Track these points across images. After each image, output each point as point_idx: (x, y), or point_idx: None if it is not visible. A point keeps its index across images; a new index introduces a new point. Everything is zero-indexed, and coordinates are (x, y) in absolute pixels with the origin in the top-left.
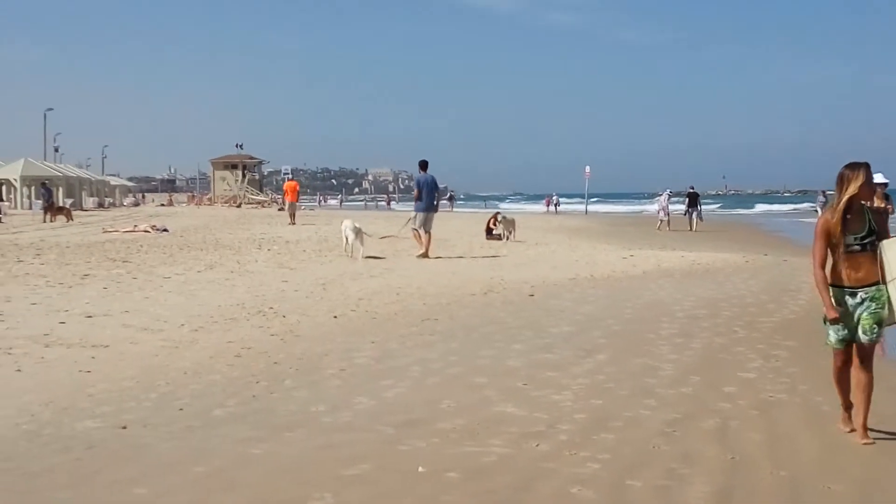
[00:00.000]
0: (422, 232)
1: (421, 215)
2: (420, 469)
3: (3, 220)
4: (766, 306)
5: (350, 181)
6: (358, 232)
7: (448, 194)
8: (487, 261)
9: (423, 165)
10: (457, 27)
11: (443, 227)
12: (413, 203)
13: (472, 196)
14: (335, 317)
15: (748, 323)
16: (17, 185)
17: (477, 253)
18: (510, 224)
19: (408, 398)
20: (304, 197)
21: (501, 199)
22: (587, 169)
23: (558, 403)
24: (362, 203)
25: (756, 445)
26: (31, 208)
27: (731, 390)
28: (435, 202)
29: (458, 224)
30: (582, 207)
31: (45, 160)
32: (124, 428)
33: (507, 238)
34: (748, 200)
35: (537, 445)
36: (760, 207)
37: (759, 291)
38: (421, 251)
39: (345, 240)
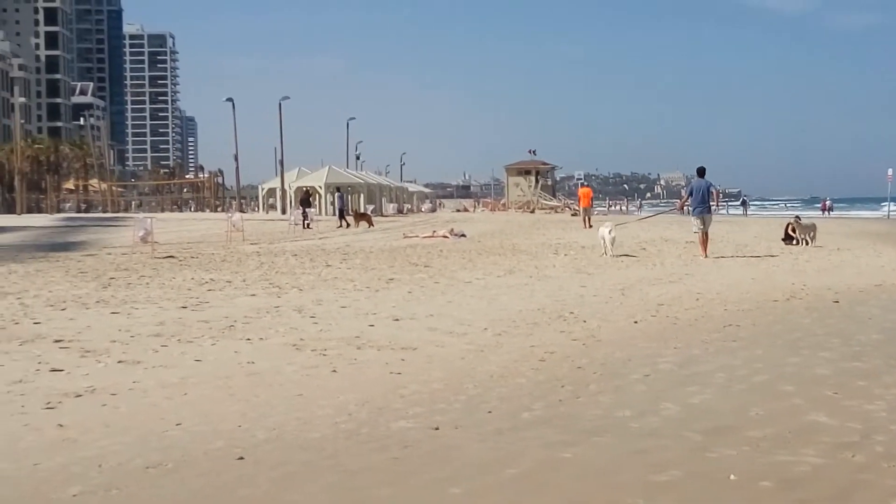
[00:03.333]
0: (699, 234)
1: (696, 219)
2: (731, 477)
3: (311, 226)
4: None
5: (642, 186)
6: (612, 234)
7: (741, 199)
8: (788, 266)
9: (701, 172)
10: (739, 29)
11: (740, 232)
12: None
13: (766, 200)
14: (636, 322)
15: None
16: (322, 191)
17: (777, 258)
18: (810, 229)
19: (714, 405)
20: (597, 202)
21: (791, 203)
22: (889, 172)
23: (872, 413)
24: (653, 208)
25: None
26: (335, 214)
27: None
28: (709, 206)
29: (755, 229)
30: (866, 212)
31: (347, 168)
32: (436, 429)
33: (807, 243)
34: None
35: (853, 456)
36: None
37: None
38: (704, 254)
39: (601, 241)
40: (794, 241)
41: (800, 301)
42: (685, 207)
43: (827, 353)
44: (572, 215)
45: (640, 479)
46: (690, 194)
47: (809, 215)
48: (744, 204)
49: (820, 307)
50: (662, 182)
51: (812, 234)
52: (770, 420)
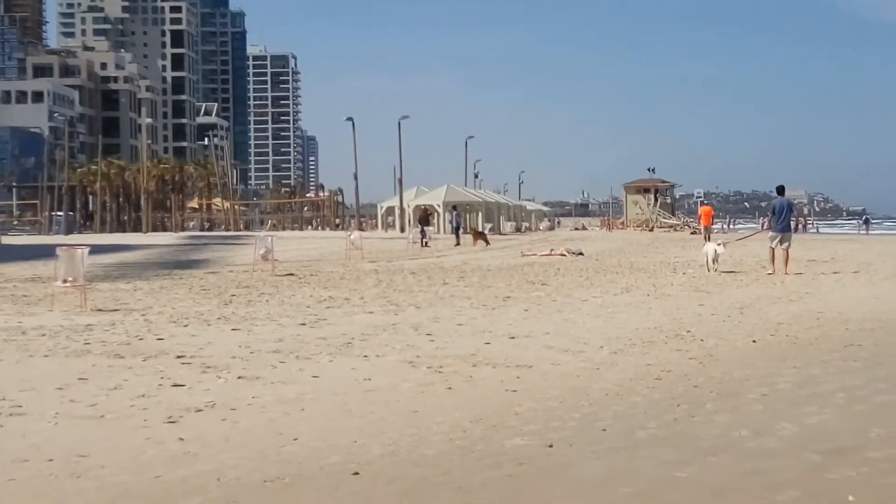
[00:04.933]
0: (778, 251)
1: (776, 235)
2: (850, 499)
3: (429, 244)
4: None
5: (763, 204)
6: (717, 251)
7: (864, 217)
8: None
9: (780, 191)
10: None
11: (863, 251)
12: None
13: (891, 218)
14: (754, 341)
15: None
16: (441, 210)
17: None
18: None
19: (833, 425)
20: (718, 220)
21: None
22: None
23: None
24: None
25: None
26: (453, 232)
27: None
28: (790, 223)
29: (879, 248)
30: None
31: (465, 186)
32: (550, 446)
33: None
34: None
35: None
36: None
37: None
38: (772, 270)
39: (705, 256)
40: None
41: None
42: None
43: None
44: (692, 233)
45: (756, 500)
46: (773, 212)
47: None
48: (866, 222)
49: None
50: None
51: None
52: (891, 441)
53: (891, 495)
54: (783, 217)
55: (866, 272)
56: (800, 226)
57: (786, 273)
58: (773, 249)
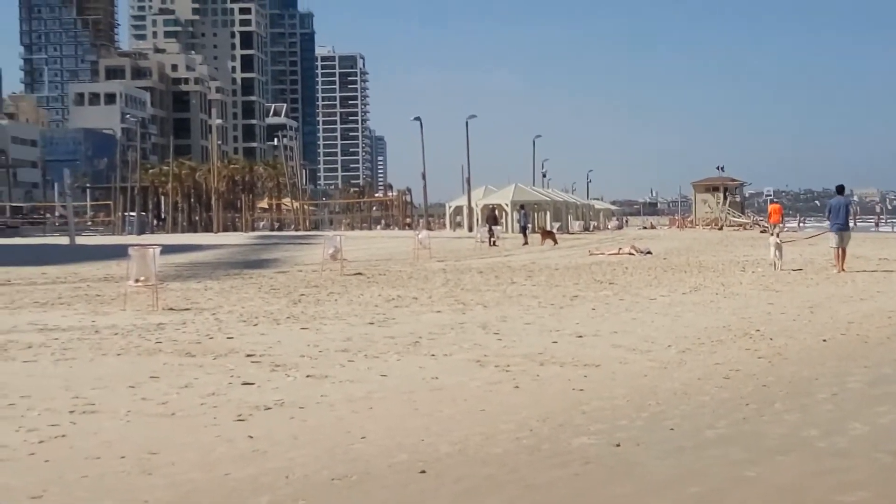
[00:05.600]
0: (837, 250)
1: (834, 235)
2: None
3: (497, 244)
4: None
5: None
6: (778, 247)
7: None
8: None
9: (840, 190)
10: None
11: None
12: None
13: None
14: (824, 340)
15: None
16: (508, 209)
17: None
18: None
19: None
20: (788, 218)
21: None
22: None
23: None
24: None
25: None
26: (520, 231)
27: None
28: (847, 223)
29: None
30: None
31: (533, 185)
32: (618, 446)
33: None
34: None
35: None
36: None
37: None
38: (836, 269)
39: (771, 254)
40: None
41: None
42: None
43: None
44: (761, 231)
45: (826, 500)
46: (829, 212)
47: None
48: None
49: None
50: (856, 198)
51: None
52: None
53: None
54: (840, 216)
55: None
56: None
57: (843, 270)
58: (835, 249)
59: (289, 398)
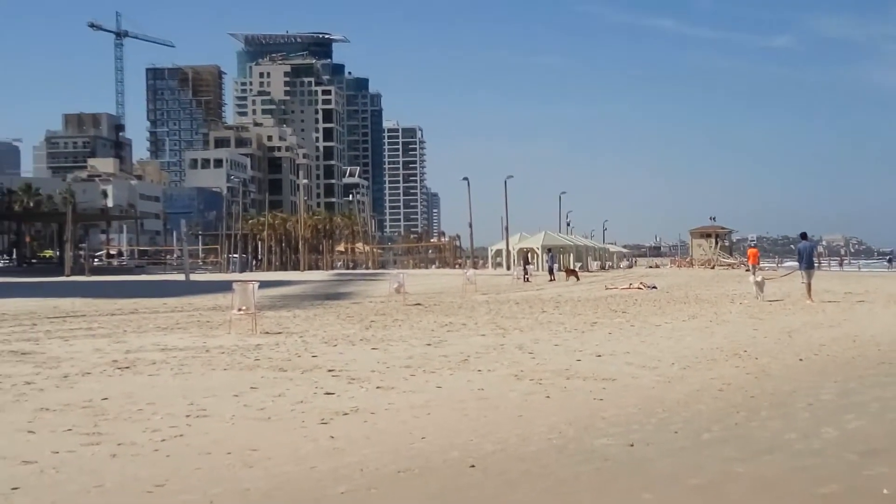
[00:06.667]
0: (807, 284)
1: (803, 272)
2: (885, 491)
3: (530, 280)
4: None
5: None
6: (760, 284)
7: (888, 257)
8: None
9: (804, 236)
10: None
11: (888, 285)
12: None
13: None
14: (801, 360)
15: None
16: (539, 251)
17: None
18: None
19: (869, 430)
20: (767, 259)
21: None
22: None
23: None
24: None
25: None
26: (548, 271)
27: None
28: (813, 262)
29: None
30: None
31: (559, 232)
32: (631, 446)
33: None
34: None
35: None
36: None
37: None
38: (810, 299)
39: (754, 288)
40: None
41: None
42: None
43: None
44: (746, 270)
45: (804, 492)
46: (799, 254)
47: None
48: (889, 261)
49: None
50: (824, 243)
51: None
52: None
53: None
54: (807, 257)
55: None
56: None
57: (810, 300)
58: (805, 283)
59: (362, 405)
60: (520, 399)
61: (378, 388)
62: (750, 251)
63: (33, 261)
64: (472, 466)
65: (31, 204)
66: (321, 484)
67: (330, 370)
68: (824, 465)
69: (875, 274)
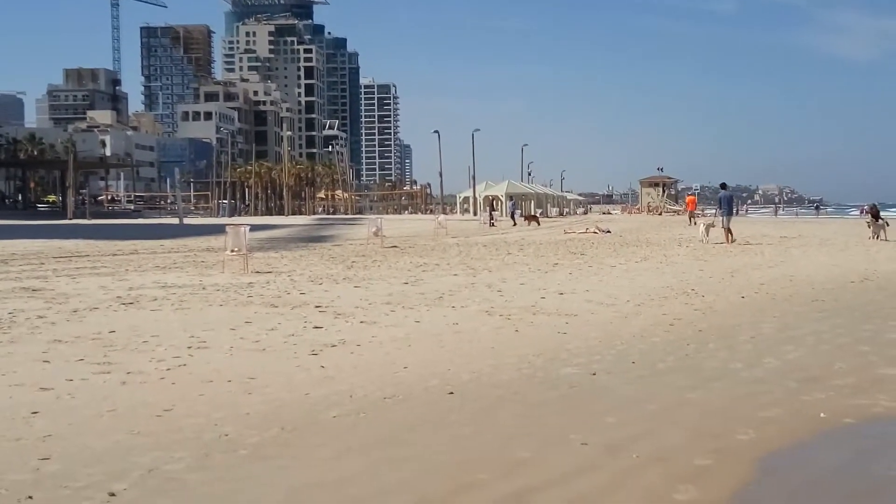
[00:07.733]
0: (726, 229)
1: (724, 219)
2: (822, 415)
3: (495, 225)
4: None
5: (744, 195)
6: (708, 227)
7: (815, 205)
8: (862, 256)
9: (723, 186)
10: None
11: (821, 230)
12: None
13: (843, 205)
14: (742, 297)
15: None
16: (503, 199)
17: (852, 250)
18: (880, 228)
19: (806, 360)
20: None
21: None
22: None
23: None
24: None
25: None
26: (511, 217)
27: None
28: (731, 209)
29: (834, 228)
30: None
31: (521, 181)
32: (594, 374)
33: (878, 237)
34: None
35: None
36: None
37: None
38: (728, 242)
39: (700, 232)
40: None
41: (872, 282)
42: (718, 212)
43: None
44: (689, 217)
45: (750, 415)
46: (719, 202)
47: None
48: (816, 208)
49: (889, 287)
50: (760, 192)
51: (883, 229)
52: (851, 372)
53: (852, 412)
54: (727, 205)
55: (826, 246)
56: (738, 210)
57: (730, 243)
58: (725, 229)
59: (348, 338)
60: (491, 333)
61: (362, 322)
62: (688, 198)
63: (38, 205)
64: (451, 393)
65: (35, 152)
66: (315, 409)
67: (317, 306)
68: (767, 392)
69: (807, 220)
